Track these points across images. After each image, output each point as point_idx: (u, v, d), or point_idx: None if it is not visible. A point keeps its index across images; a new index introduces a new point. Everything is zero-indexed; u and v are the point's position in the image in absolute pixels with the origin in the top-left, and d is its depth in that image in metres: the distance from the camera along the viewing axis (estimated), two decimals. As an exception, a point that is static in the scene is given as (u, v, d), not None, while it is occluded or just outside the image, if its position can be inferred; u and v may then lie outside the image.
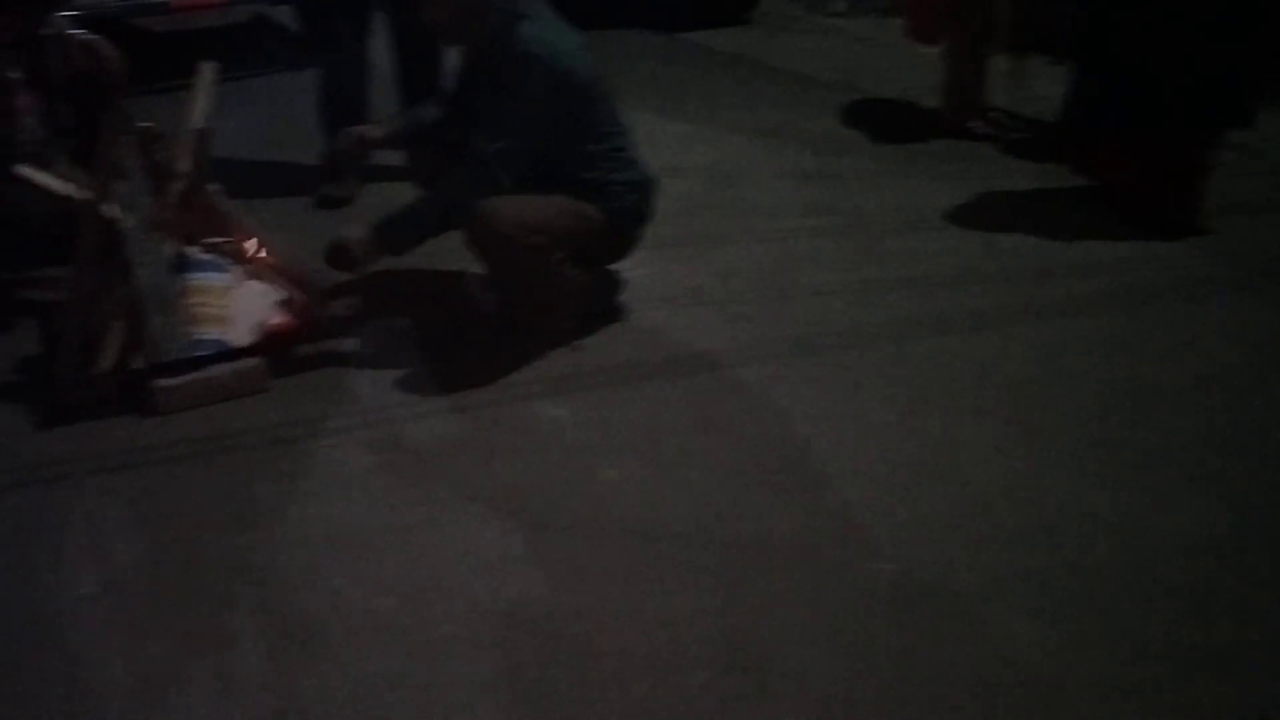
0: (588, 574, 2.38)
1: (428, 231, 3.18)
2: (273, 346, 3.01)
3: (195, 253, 3.04)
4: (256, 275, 3.07)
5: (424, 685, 2.09)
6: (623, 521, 2.54)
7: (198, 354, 2.91)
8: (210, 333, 2.95)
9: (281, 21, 5.89)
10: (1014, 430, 2.88)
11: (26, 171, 3.01)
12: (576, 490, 2.65)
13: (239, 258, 3.09)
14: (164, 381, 2.86)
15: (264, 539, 2.48)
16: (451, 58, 3.75)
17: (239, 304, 3.00)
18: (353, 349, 3.22)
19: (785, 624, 2.23)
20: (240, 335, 2.96)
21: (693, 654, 2.15)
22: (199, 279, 3.00)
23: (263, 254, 3.13)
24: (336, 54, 4.20)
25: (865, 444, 2.83)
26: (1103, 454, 2.78)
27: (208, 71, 3.18)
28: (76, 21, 3.91)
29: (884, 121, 5.12)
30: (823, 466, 2.74)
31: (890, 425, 2.91)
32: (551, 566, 2.40)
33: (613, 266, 3.47)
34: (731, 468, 2.73)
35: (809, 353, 3.26)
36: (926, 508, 2.58)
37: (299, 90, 4.62)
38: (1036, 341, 3.31)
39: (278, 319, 3.03)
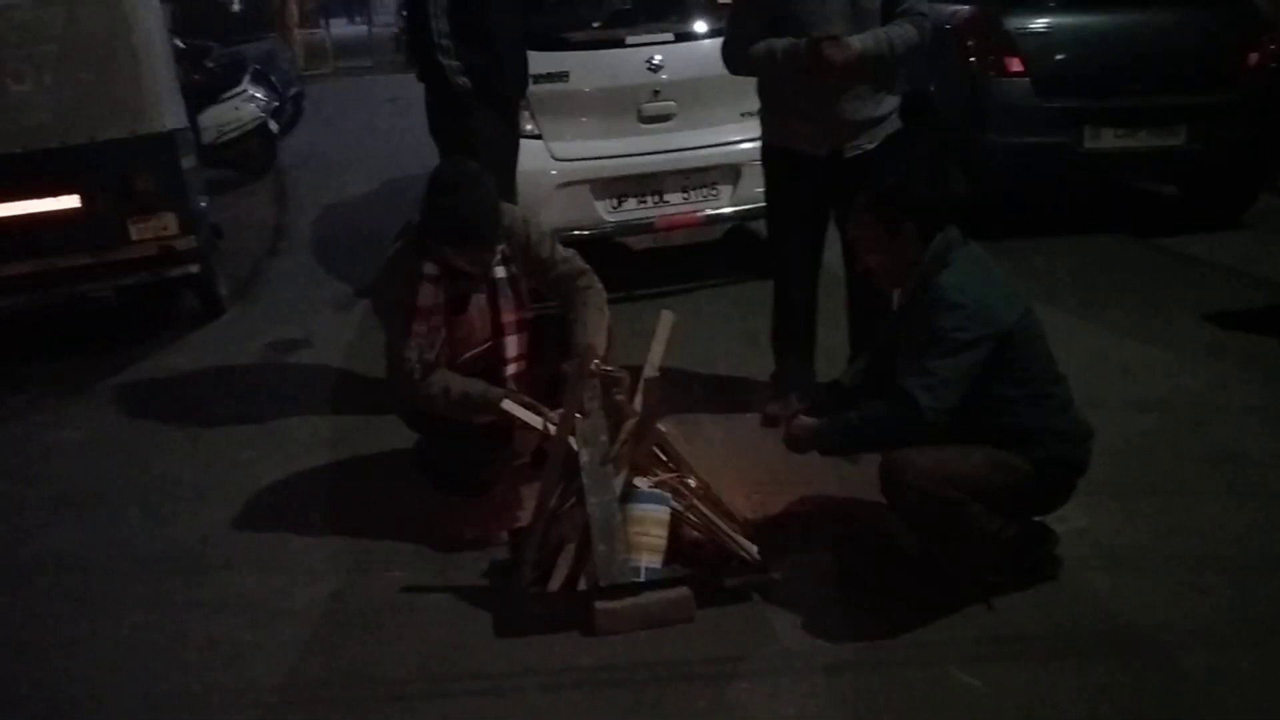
0: None
1: (858, 449, 3.42)
2: (698, 578, 3.19)
3: (641, 485, 3.32)
4: (693, 510, 3.28)
5: None
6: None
7: (635, 580, 3.15)
8: (647, 561, 3.20)
9: (755, 231, 6.34)
10: None
11: (510, 405, 3.45)
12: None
13: (679, 492, 3.32)
14: (604, 605, 3.11)
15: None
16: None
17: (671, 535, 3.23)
18: (774, 583, 3.31)
19: None
20: (671, 567, 3.18)
21: None
22: (641, 509, 3.26)
23: (700, 489, 3.35)
24: (790, 273, 4.43)
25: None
26: None
27: (667, 320, 3.50)
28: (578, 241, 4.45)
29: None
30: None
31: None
32: None
33: (1045, 518, 3.34)
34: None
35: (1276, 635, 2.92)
36: None
37: (762, 300, 4.87)
38: None
39: (703, 553, 3.22)
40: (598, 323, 3.66)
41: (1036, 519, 3.31)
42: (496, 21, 4.46)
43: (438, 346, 3.59)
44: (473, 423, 3.59)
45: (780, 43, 3.99)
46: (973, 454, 3.09)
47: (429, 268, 3.53)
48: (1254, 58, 6.38)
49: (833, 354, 4.45)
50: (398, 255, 3.65)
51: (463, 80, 4.43)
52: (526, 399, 3.53)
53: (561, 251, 3.81)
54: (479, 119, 4.51)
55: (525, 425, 3.46)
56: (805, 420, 3.32)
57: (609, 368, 3.39)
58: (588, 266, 3.82)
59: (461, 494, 3.86)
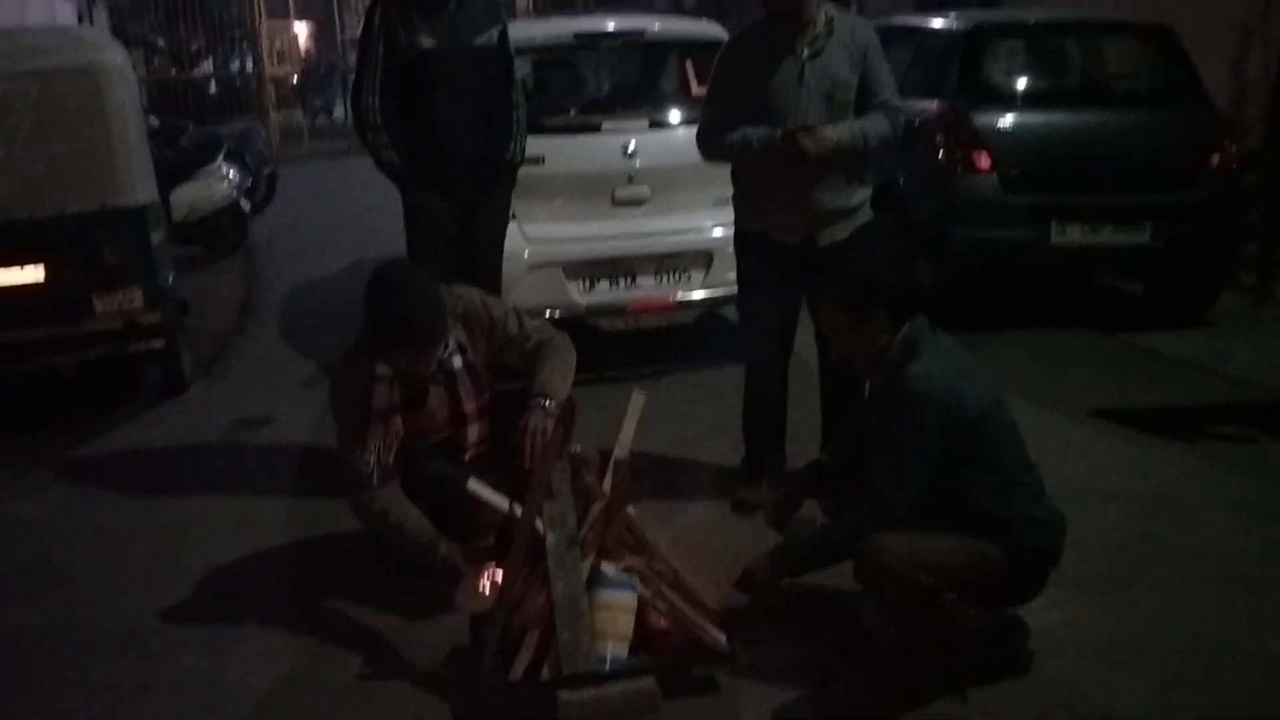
0: None
1: (828, 559, 3.32)
2: (665, 667, 3.11)
3: (608, 569, 3.25)
4: (660, 597, 3.21)
5: None
6: None
7: (600, 670, 3.06)
8: (613, 649, 3.12)
9: (726, 316, 6.35)
10: None
11: (475, 486, 3.39)
12: None
13: (647, 578, 3.26)
14: (566, 695, 3.02)
15: None
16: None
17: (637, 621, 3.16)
18: (743, 673, 3.23)
19: None
20: (638, 655, 3.10)
21: None
22: (608, 595, 3.19)
23: (668, 575, 3.29)
24: (761, 359, 4.41)
25: None
26: None
27: (637, 401, 3.47)
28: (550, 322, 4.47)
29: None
30: None
31: None
32: None
33: (1018, 609, 3.30)
34: None
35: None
36: None
37: (733, 385, 4.82)
38: None
39: (670, 641, 3.15)
40: (558, 369, 3.67)
41: (1010, 610, 3.27)
42: (440, 100, 4.50)
43: (394, 449, 3.55)
44: (433, 503, 3.54)
45: (756, 131, 4.03)
46: (947, 541, 3.08)
47: (381, 368, 3.53)
48: (1215, 159, 6.51)
49: (804, 438, 4.43)
50: (349, 357, 3.65)
51: (388, 155, 4.50)
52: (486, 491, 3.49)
53: (531, 323, 3.81)
54: (415, 197, 4.59)
55: (490, 507, 3.40)
56: (758, 565, 3.32)
57: (578, 448, 3.34)
58: (559, 330, 3.83)
59: (422, 575, 3.77)
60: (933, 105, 6.73)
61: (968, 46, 6.88)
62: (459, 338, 3.70)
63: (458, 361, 3.71)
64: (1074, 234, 6.43)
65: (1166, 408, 5.30)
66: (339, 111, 20.01)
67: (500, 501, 3.39)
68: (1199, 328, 6.62)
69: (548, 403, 3.55)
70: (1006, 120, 6.56)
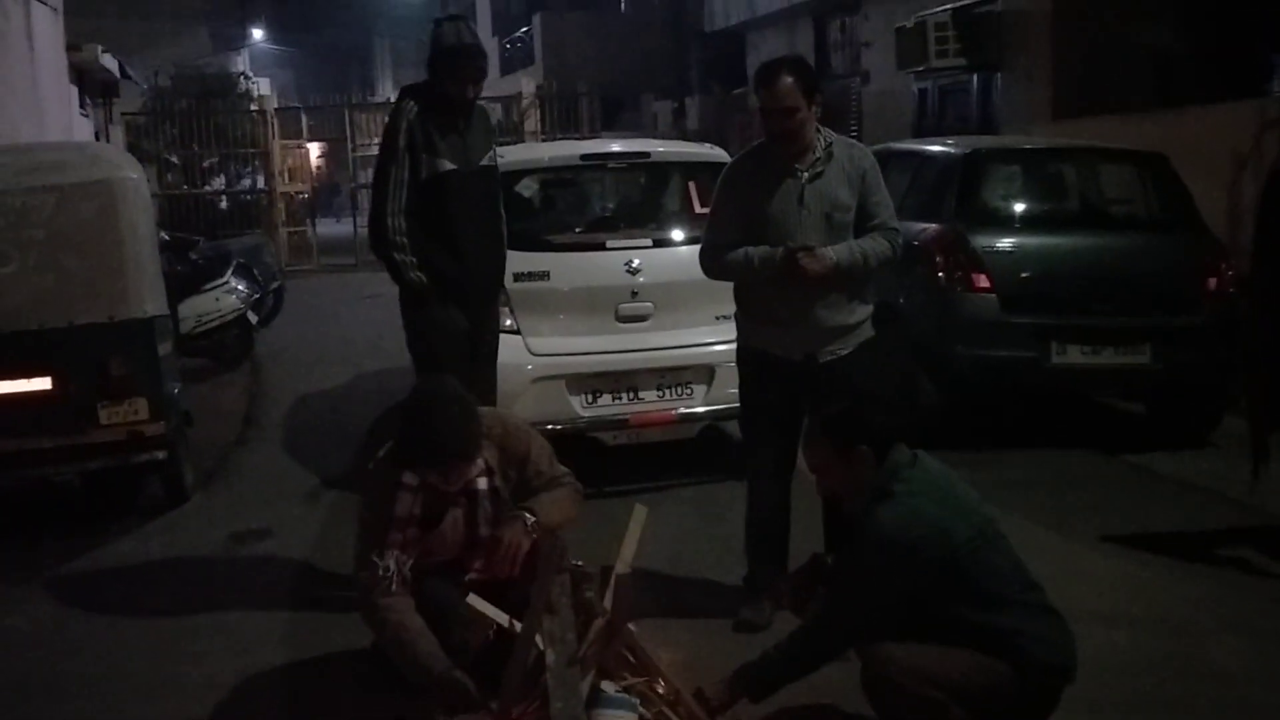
0: None
1: (788, 679, 3.29)
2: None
3: (608, 688, 3.20)
4: (661, 718, 3.16)
5: None
6: None
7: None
8: (613, 770, 3.06)
9: (729, 432, 6.36)
10: None
11: (474, 600, 3.36)
12: None
13: (648, 698, 3.21)
14: (565, 818, 2.96)
15: None
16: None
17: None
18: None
19: None
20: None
21: None
22: (608, 716, 3.13)
23: (670, 695, 3.25)
24: (763, 474, 4.41)
25: None
26: None
27: (640, 516, 3.47)
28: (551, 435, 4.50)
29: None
30: None
31: None
32: None
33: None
34: None
35: None
36: None
37: (735, 501, 4.84)
38: None
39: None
40: (559, 501, 3.65)
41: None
42: (459, 219, 4.59)
43: (410, 560, 3.53)
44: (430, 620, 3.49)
45: (757, 251, 4.11)
46: (955, 654, 3.06)
47: (408, 477, 3.53)
48: (1213, 283, 6.60)
49: (806, 555, 4.39)
50: (379, 463, 3.64)
51: (416, 275, 4.56)
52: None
53: (561, 468, 3.78)
54: (437, 313, 4.62)
55: (490, 621, 3.36)
56: (710, 692, 3.26)
57: (579, 562, 3.32)
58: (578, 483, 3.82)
59: (419, 693, 3.70)
60: (932, 227, 6.84)
61: (966, 170, 7.02)
62: (490, 459, 3.66)
63: (483, 484, 3.65)
64: (1074, 354, 6.48)
65: (1172, 532, 5.27)
66: (347, 227, 20.29)
67: (500, 617, 3.36)
68: (1202, 449, 6.61)
69: (530, 521, 3.52)
70: (1005, 242, 6.65)
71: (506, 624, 3.36)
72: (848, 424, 3.30)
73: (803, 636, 3.26)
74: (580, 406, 5.80)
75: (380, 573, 3.46)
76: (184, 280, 9.05)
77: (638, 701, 3.18)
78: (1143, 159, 7.22)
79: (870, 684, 3.11)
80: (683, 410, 5.93)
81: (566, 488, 3.72)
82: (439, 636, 3.47)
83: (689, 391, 5.93)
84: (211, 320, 9.69)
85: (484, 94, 4.76)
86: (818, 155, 4.15)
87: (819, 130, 4.18)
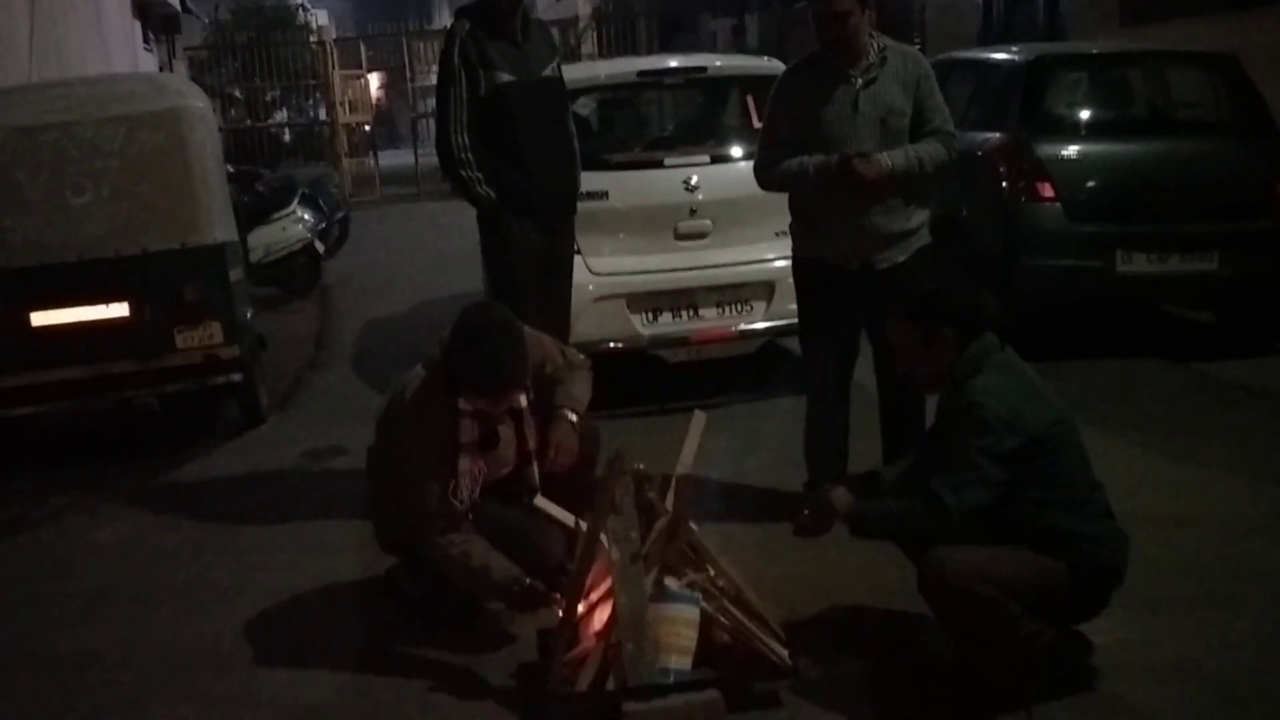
0: None
1: (889, 536, 3.47)
2: (727, 681, 3.16)
3: (671, 584, 3.30)
4: (723, 612, 3.26)
5: None
6: None
7: (664, 682, 3.11)
8: (676, 662, 3.17)
9: (789, 348, 6.39)
10: None
11: (541, 502, 3.47)
12: None
13: (709, 593, 3.31)
14: (631, 706, 3.07)
15: None
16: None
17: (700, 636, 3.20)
18: (805, 688, 3.26)
19: None
20: (700, 668, 3.15)
21: None
22: (672, 609, 3.24)
23: (731, 591, 3.34)
24: (822, 384, 4.46)
25: None
26: None
27: (699, 420, 3.53)
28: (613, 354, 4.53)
29: None
30: None
31: None
32: None
33: (1083, 626, 3.29)
34: None
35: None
36: None
37: (795, 414, 4.91)
38: None
39: (732, 655, 3.19)
40: (580, 381, 3.85)
41: (1073, 627, 3.27)
42: (523, 131, 4.56)
43: (479, 485, 3.60)
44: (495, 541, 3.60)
45: (812, 159, 4.11)
46: (1011, 555, 3.10)
47: (464, 403, 3.55)
48: (1282, 186, 6.46)
49: (865, 464, 4.43)
50: (424, 392, 3.63)
51: (484, 190, 4.53)
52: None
53: (567, 350, 3.95)
54: (512, 230, 4.59)
55: (558, 521, 3.47)
56: (841, 494, 3.34)
57: (641, 465, 3.40)
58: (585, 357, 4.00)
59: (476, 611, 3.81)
60: (994, 136, 6.75)
61: (1030, 78, 6.90)
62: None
63: (523, 400, 3.73)
64: (1140, 263, 6.39)
65: (1238, 435, 5.24)
66: (408, 156, 20.38)
67: (567, 517, 3.47)
68: (1271, 356, 6.52)
69: (572, 418, 3.73)
70: (1070, 150, 6.55)
71: (573, 524, 3.47)
72: (937, 307, 3.34)
73: (919, 509, 3.21)
74: (641, 325, 5.86)
75: (451, 507, 3.52)
76: (251, 211, 9.19)
77: (700, 596, 3.28)
78: (1211, 61, 7.05)
79: (929, 585, 3.15)
80: (743, 326, 5.97)
81: (579, 369, 3.88)
82: (510, 557, 3.57)
83: (749, 308, 5.96)
84: (279, 250, 9.86)
85: (540, 16, 4.76)
86: (871, 61, 4.12)
87: (872, 36, 4.15)
